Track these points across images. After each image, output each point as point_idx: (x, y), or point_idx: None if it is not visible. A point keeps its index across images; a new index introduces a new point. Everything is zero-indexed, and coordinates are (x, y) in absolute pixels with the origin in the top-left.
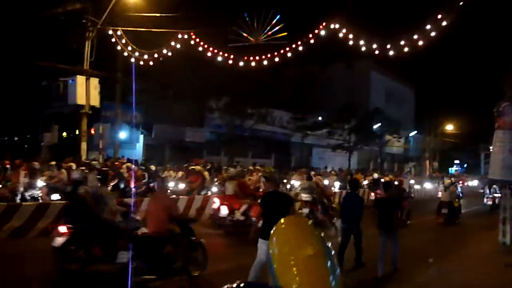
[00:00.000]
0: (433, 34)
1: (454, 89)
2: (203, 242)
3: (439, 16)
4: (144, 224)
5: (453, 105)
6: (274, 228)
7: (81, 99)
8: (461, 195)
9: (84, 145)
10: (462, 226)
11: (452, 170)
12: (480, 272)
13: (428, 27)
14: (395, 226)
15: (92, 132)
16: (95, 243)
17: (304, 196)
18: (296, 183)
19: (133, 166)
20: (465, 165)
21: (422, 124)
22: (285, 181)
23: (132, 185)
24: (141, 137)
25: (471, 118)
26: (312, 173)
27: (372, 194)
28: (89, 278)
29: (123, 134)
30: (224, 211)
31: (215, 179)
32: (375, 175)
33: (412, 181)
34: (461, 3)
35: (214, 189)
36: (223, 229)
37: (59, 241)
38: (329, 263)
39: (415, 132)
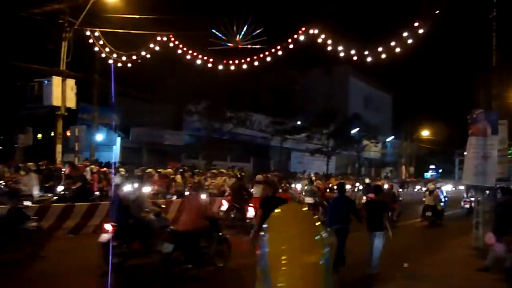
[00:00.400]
0: (410, 41)
1: (431, 96)
2: (228, 238)
3: (416, 24)
4: (173, 223)
5: (429, 111)
6: (272, 215)
7: (57, 101)
8: (447, 199)
9: (59, 148)
10: (443, 228)
11: (428, 175)
12: (453, 276)
13: (405, 34)
14: (385, 227)
15: (68, 134)
16: (135, 238)
17: (307, 199)
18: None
19: (110, 169)
20: (440, 170)
21: (399, 130)
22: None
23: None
24: (119, 139)
25: (447, 125)
26: (313, 177)
27: (364, 197)
28: (130, 270)
29: (100, 137)
30: (251, 212)
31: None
32: (367, 180)
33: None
34: (437, 12)
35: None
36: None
37: (104, 237)
38: (326, 277)
39: (392, 137)
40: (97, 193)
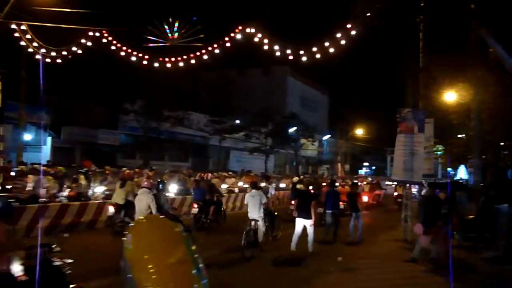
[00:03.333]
0: (343, 42)
1: (364, 95)
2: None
3: (349, 26)
4: None
5: (362, 110)
6: (133, 224)
7: None
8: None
9: None
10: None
11: (362, 172)
12: (383, 268)
13: (339, 35)
14: (360, 209)
15: None
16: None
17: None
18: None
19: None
20: (373, 168)
21: (334, 129)
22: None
23: None
24: (49, 139)
25: (379, 123)
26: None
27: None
28: None
29: (28, 136)
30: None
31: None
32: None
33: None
34: (368, 14)
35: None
36: None
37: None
38: (195, 271)
39: (329, 136)
40: None
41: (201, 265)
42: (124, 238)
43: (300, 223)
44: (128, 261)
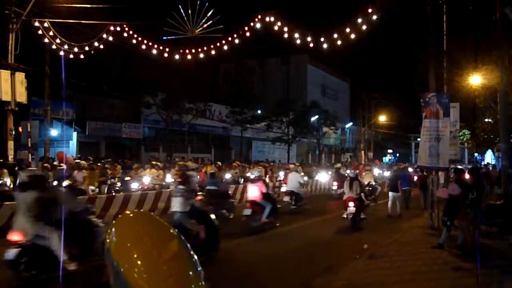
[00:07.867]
0: (364, 27)
1: (386, 81)
2: None
3: (370, 10)
4: None
5: (385, 96)
6: (118, 218)
7: (6, 95)
8: None
9: (11, 144)
10: None
11: (386, 159)
12: (410, 255)
13: (360, 21)
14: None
15: (20, 130)
16: None
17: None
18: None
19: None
20: (397, 155)
21: (356, 116)
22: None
23: None
24: (75, 134)
25: (402, 109)
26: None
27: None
28: None
29: (54, 132)
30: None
31: None
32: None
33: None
34: None
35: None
36: None
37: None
38: (191, 272)
39: (351, 123)
40: None
41: (199, 268)
42: (108, 231)
43: (391, 195)
44: (114, 258)
